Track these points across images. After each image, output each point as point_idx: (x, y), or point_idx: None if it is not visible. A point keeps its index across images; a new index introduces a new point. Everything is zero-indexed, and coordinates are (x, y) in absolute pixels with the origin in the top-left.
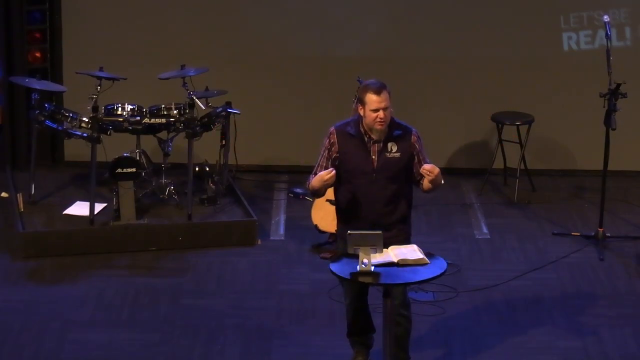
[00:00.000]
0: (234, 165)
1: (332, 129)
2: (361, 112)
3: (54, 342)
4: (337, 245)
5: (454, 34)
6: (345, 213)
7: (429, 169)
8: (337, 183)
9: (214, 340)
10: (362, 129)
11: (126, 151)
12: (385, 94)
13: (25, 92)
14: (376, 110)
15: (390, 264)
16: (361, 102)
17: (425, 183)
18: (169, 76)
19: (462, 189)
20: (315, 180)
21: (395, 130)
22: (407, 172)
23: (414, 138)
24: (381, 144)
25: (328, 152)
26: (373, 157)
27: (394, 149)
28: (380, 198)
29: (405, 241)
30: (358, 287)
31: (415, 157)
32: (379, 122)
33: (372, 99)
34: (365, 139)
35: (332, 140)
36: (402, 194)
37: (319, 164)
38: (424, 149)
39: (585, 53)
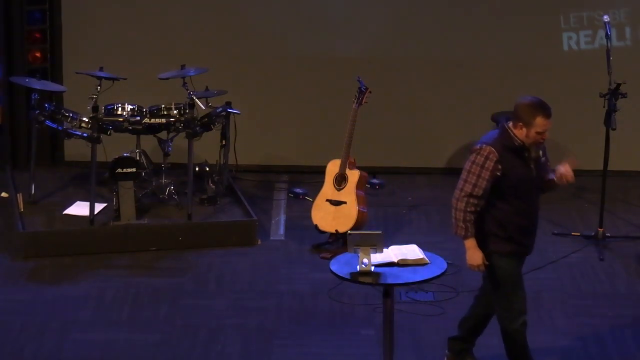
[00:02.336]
0: (234, 165)
1: (487, 147)
2: (520, 130)
3: (54, 342)
4: (506, 268)
5: (454, 34)
6: (511, 228)
7: (566, 173)
8: (495, 201)
9: (214, 340)
10: (516, 143)
11: (126, 151)
12: (551, 117)
13: (25, 92)
14: (542, 133)
15: (391, 264)
16: (523, 121)
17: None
18: (169, 76)
19: None
20: (474, 251)
21: None
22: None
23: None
24: (533, 152)
25: (490, 173)
26: (531, 166)
27: (541, 154)
28: (538, 204)
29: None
30: (525, 296)
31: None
32: (540, 141)
33: (541, 122)
34: (523, 151)
35: (494, 159)
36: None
37: (476, 185)
38: None
39: (585, 53)
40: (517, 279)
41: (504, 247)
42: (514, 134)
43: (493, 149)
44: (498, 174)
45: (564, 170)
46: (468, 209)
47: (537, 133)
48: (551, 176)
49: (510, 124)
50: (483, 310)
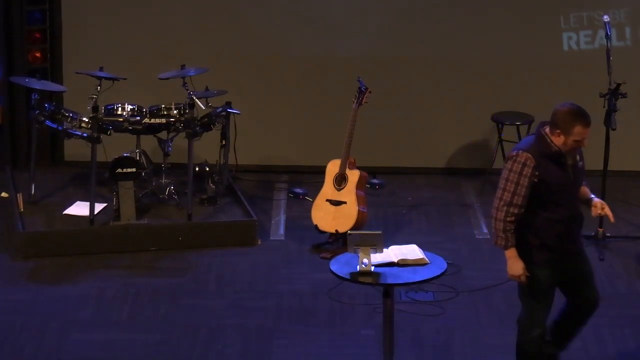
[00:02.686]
0: (234, 165)
1: (524, 154)
2: (558, 138)
3: (54, 342)
4: (536, 277)
5: (454, 34)
6: (546, 237)
7: (601, 207)
8: (531, 209)
9: (214, 340)
10: (553, 149)
11: (126, 151)
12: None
13: (25, 92)
14: (580, 141)
15: (391, 264)
16: (561, 128)
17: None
18: (169, 76)
19: (462, 189)
20: (514, 261)
21: None
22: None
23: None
24: (570, 159)
25: (528, 179)
26: (569, 172)
27: (578, 158)
28: (577, 210)
29: (583, 250)
30: (549, 309)
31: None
32: (576, 148)
33: (580, 131)
34: (560, 157)
35: (532, 165)
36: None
37: (515, 193)
38: None
39: (585, 53)
40: (546, 290)
41: (537, 256)
42: (550, 140)
43: (530, 155)
44: (535, 180)
45: (603, 208)
46: (508, 219)
47: (575, 141)
48: (592, 196)
49: (547, 130)
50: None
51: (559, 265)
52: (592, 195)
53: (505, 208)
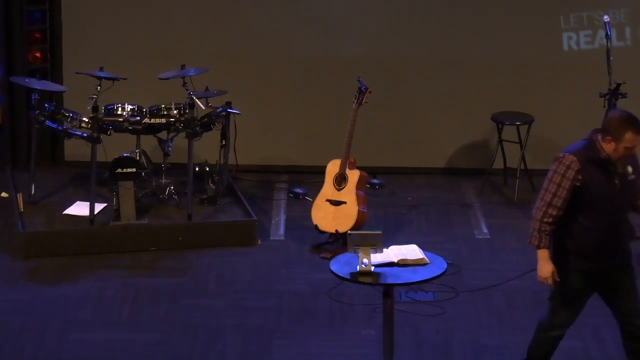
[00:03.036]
0: (234, 165)
1: (570, 156)
2: (609, 144)
3: (54, 342)
4: (567, 281)
5: (454, 34)
6: (584, 244)
7: None
8: (572, 213)
9: (214, 340)
10: (602, 155)
11: (126, 151)
12: None
13: (25, 92)
14: (631, 148)
15: (391, 264)
16: (612, 135)
17: None
18: (169, 76)
19: (462, 189)
20: (544, 262)
21: None
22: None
23: (637, 157)
24: (620, 168)
25: (571, 182)
26: (616, 181)
27: (630, 170)
28: (624, 222)
29: (630, 260)
30: (574, 317)
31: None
32: (627, 156)
33: (631, 138)
34: (609, 165)
35: (575, 168)
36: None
37: (556, 194)
38: None
39: (585, 53)
40: (576, 296)
41: (572, 262)
42: (601, 146)
43: (575, 159)
44: (577, 184)
45: None
46: (545, 219)
47: (626, 148)
48: None
49: (599, 136)
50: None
51: (596, 275)
52: None
53: (544, 208)
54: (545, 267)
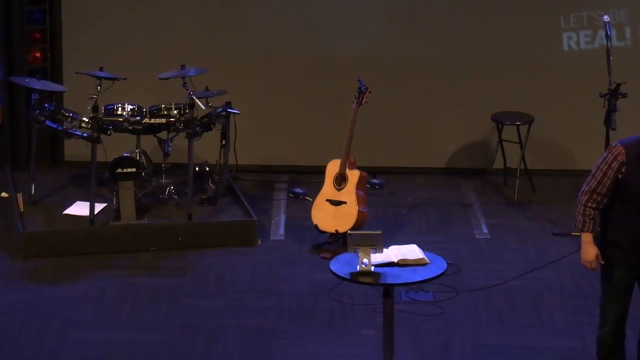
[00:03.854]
0: (234, 165)
1: (620, 147)
2: None
3: (54, 342)
4: (610, 274)
5: (454, 34)
6: (623, 236)
7: None
8: (613, 203)
9: (214, 340)
10: None
11: (126, 151)
12: None
13: (25, 92)
14: None
15: (390, 264)
16: None
17: None
18: (169, 76)
19: (462, 189)
20: (585, 246)
21: None
22: None
23: None
24: None
25: (615, 173)
26: None
27: None
28: None
29: None
30: (623, 310)
31: None
32: None
33: None
34: None
35: (621, 160)
36: None
37: (601, 182)
38: None
39: (585, 53)
40: (620, 290)
41: (614, 254)
42: None
43: (623, 150)
44: (620, 177)
45: None
46: (589, 204)
47: None
48: None
49: None
50: None
51: (632, 271)
52: None
53: (589, 194)
54: (589, 251)
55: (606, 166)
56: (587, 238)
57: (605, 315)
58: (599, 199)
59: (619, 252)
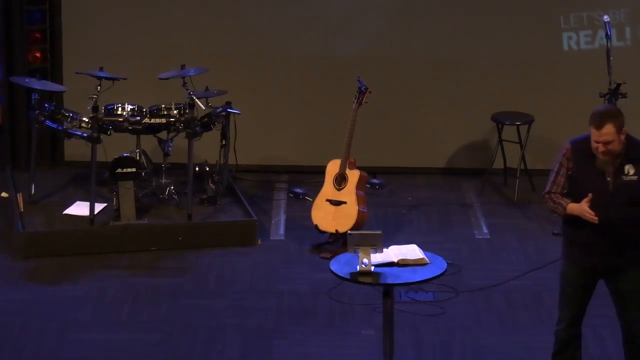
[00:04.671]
0: (234, 165)
1: (567, 144)
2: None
3: (54, 342)
4: (566, 272)
5: (454, 34)
6: (576, 235)
7: None
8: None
9: (214, 340)
10: (592, 148)
11: (126, 151)
12: (607, 128)
13: (25, 92)
14: (597, 142)
15: (390, 264)
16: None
17: None
18: (169, 76)
19: (462, 189)
20: (568, 208)
21: (633, 151)
22: None
23: None
24: (617, 165)
25: (565, 170)
26: (608, 179)
27: (631, 171)
28: (616, 222)
29: (636, 267)
30: (578, 309)
31: None
32: (601, 153)
33: (593, 132)
34: (594, 157)
35: (567, 156)
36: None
37: (555, 182)
38: None
39: (585, 53)
40: (571, 289)
41: (567, 251)
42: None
43: (570, 147)
44: (569, 173)
45: None
46: (550, 194)
47: (595, 142)
48: None
49: None
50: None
51: (590, 271)
52: None
53: (547, 188)
54: (579, 209)
55: (557, 165)
56: (570, 208)
57: (561, 313)
58: (557, 191)
59: (576, 252)
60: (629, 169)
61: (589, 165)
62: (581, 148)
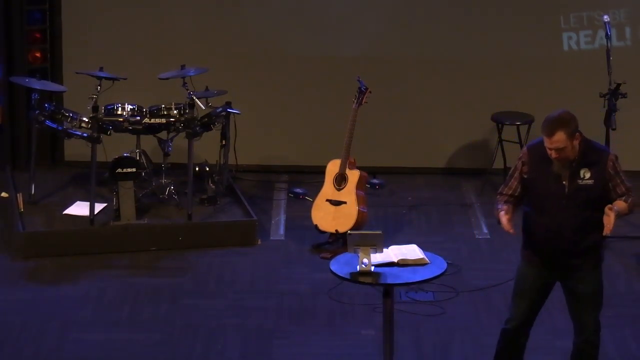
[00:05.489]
0: (234, 165)
1: (524, 149)
2: None
3: (54, 342)
4: (521, 272)
5: (454, 34)
6: (532, 236)
7: (606, 221)
8: (526, 201)
9: (214, 340)
10: (548, 153)
11: (126, 151)
12: (558, 136)
13: (25, 92)
14: (549, 149)
15: (391, 264)
16: None
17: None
18: (169, 76)
19: (462, 189)
20: (499, 215)
21: (589, 155)
22: (601, 199)
23: (609, 164)
24: (573, 169)
25: (519, 174)
26: (564, 182)
27: (587, 175)
28: (571, 225)
29: (595, 268)
30: (529, 309)
31: (610, 184)
32: (554, 159)
33: (544, 138)
34: (550, 162)
35: (522, 160)
36: (595, 221)
37: (507, 184)
38: (621, 172)
39: (585, 53)
40: (525, 289)
41: (523, 251)
42: None
43: (527, 151)
44: (525, 176)
45: (607, 221)
46: (499, 195)
47: (548, 148)
48: (615, 207)
49: None
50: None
51: (546, 272)
52: (616, 207)
53: (500, 189)
54: (502, 221)
55: (512, 168)
56: (500, 215)
57: (512, 312)
58: (509, 192)
59: (534, 253)
60: (585, 173)
61: (545, 169)
62: (537, 152)
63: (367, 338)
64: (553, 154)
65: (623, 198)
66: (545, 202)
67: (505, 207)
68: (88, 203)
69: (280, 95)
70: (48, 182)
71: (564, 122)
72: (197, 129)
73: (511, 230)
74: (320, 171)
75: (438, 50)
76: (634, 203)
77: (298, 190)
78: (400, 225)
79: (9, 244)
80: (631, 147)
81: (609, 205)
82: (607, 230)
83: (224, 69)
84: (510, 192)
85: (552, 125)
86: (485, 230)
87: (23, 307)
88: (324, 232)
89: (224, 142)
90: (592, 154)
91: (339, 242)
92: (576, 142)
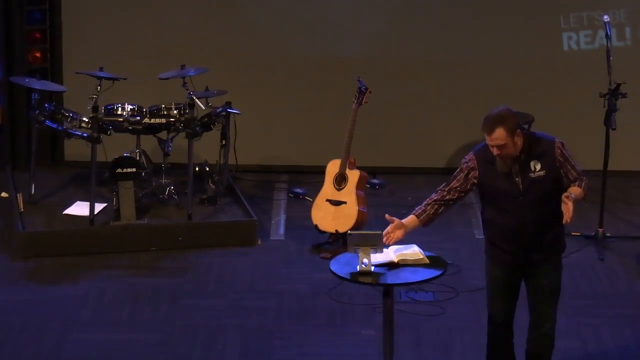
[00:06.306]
0: (234, 165)
1: (470, 154)
2: None
3: (54, 342)
4: (489, 272)
5: (454, 34)
6: (495, 238)
7: (565, 210)
8: (483, 204)
9: (214, 340)
10: (492, 154)
11: (126, 151)
12: (498, 133)
13: (25, 92)
14: (491, 146)
15: (390, 264)
16: None
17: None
18: (169, 76)
19: None
20: (394, 228)
21: (535, 147)
22: (557, 189)
23: (557, 151)
24: (522, 164)
25: (465, 176)
26: (517, 179)
27: (537, 167)
28: (533, 221)
29: (557, 261)
30: (506, 308)
31: (562, 170)
32: (497, 156)
33: (485, 136)
34: (495, 162)
35: (471, 166)
36: (555, 212)
37: (449, 182)
38: (570, 158)
39: (585, 53)
40: (496, 288)
41: (489, 251)
42: None
43: (473, 156)
44: (475, 181)
45: (565, 208)
46: (434, 192)
47: (490, 146)
48: (572, 194)
49: None
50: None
51: (512, 269)
52: (573, 194)
53: (442, 185)
54: (393, 226)
55: (458, 170)
56: (407, 219)
57: (491, 314)
58: (445, 192)
59: (497, 251)
60: (535, 165)
61: (494, 170)
62: (484, 155)
63: (367, 338)
64: (495, 151)
65: (577, 183)
66: (503, 202)
67: (418, 209)
68: (88, 203)
69: (280, 95)
70: (48, 182)
71: (503, 119)
72: (197, 129)
73: (389, 240)
74: (320, 171)
75: (438, 50)
76: (588, 187)
77: (298, 190)
78: None
79: (9, 244)
80: (631, 147)
81: (565, 194)
82: (566, 219)
83: (224, 69)
84: (447, 188)
85: (492, 122)
86: None
87: (23, 307)
88: (324, 232)
89: (224, 142)
90: (539, 145)
91: (339, 242)
92: (517, 139)
